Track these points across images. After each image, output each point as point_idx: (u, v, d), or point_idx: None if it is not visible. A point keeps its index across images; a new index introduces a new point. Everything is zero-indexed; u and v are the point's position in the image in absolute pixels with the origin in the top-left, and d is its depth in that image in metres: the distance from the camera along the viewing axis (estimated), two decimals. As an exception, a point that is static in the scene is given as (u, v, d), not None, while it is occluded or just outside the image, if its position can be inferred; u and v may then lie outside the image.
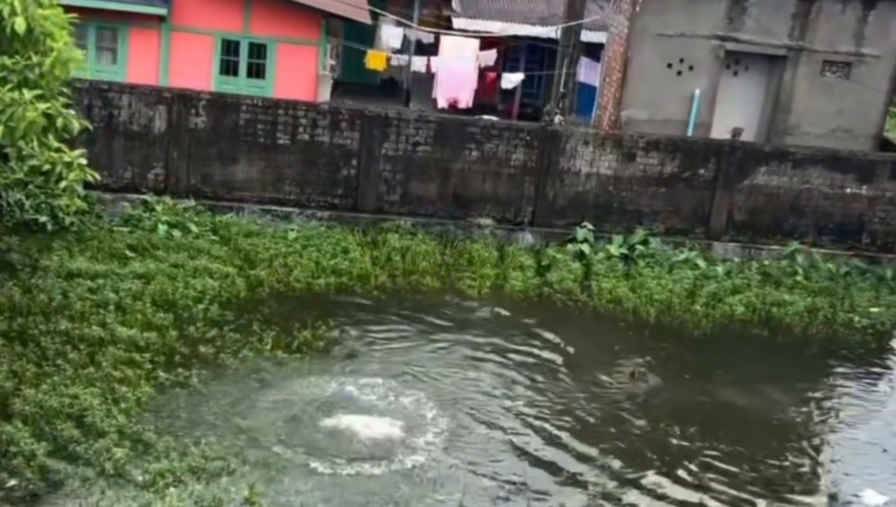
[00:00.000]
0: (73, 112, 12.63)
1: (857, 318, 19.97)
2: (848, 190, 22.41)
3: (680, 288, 20.08)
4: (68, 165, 12.99)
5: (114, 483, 12.16)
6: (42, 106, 11.99)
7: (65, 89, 12.99)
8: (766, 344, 18.85)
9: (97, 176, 13.52)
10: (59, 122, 12.29)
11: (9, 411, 13.09)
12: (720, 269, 21.13)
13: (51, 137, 12.55)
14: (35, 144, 12.42)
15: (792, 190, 22.28)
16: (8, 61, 12.21)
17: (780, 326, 19.49)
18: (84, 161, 13.12)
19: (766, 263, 21.73)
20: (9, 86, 12.00)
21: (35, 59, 12.35)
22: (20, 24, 11.92)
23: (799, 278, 21.25)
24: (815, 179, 22.28)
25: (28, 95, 11.89)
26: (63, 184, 12.94)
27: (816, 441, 15.63)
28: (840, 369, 18.26)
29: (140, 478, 12.27)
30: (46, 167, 12.98)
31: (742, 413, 16.19)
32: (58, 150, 12.83)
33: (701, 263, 21.25)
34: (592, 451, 14.45)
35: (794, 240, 22.17)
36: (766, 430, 15.73)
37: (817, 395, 17.21)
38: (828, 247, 22.41)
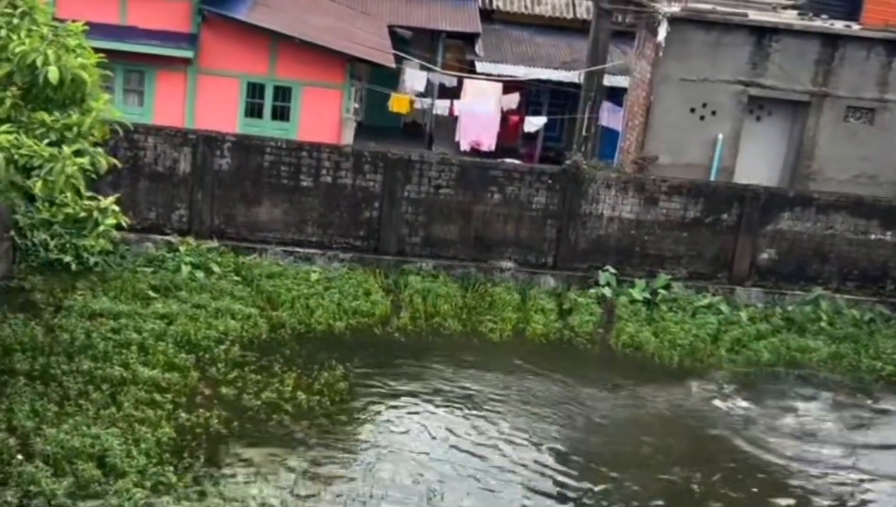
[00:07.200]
0: (100, 150, 12.72)
1: (881, 365, 19.78)
2: (872, 236, 22.28)
3: (703, 333, 19.96)
4: (103, 212, 13.06)
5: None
6: (80, 161, 12.07)
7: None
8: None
9: (128, 221, 13.59)
10: (87, 160, 12.35)
11: (30, 451, 13.12)
12: (744, 314, 21.01)
13: (83, 184, 12.57)
14: (69, 193, 12.44)
15: (815, 236, 22.18)
16: (48, 118, 12.32)
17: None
18: (117, 207, 13.20)
19: (790, 308, 21.59)
20: (46, 141, 12.10)
21: (74, 118, 12.46)
22: (53, 74, 12.03)
23: (823, 324, 21.07)
24: (838, 224, 22.18)
25: (67, 150, 11.97)
26: (100, 229, 12.96)
27: (839, 488, 15.46)
28: (863, 416, 18.07)
29: (159, 519, 12.27)
30: (82, 215, 13.04)
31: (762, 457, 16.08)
32: (91, 197, 12.89)
33: (724, 308, 21.12)
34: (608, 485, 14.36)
35: (817, 286, 22.04)
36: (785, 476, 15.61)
37: (840, 440, 17.06)
38: (852, 293, 22.23)
